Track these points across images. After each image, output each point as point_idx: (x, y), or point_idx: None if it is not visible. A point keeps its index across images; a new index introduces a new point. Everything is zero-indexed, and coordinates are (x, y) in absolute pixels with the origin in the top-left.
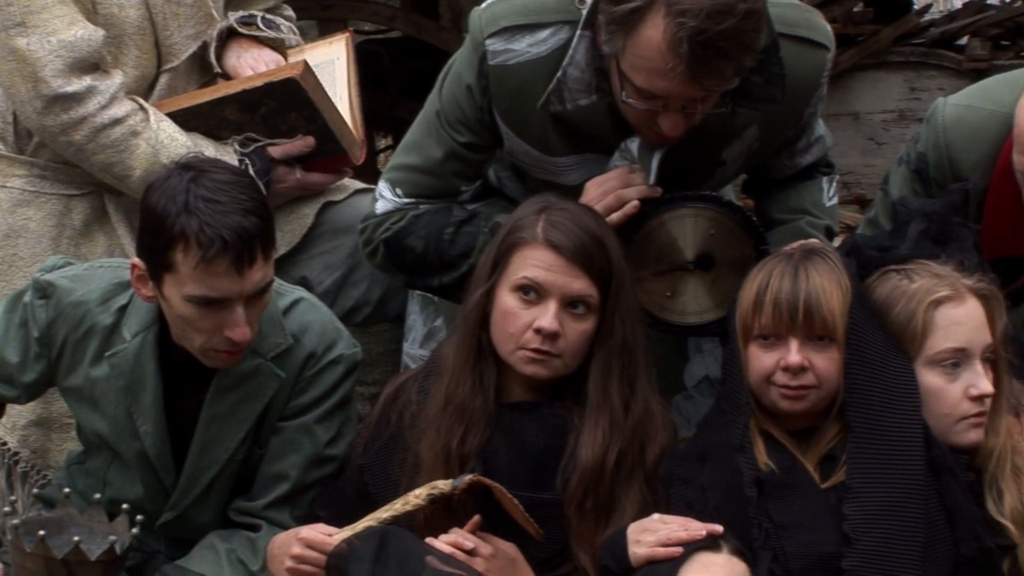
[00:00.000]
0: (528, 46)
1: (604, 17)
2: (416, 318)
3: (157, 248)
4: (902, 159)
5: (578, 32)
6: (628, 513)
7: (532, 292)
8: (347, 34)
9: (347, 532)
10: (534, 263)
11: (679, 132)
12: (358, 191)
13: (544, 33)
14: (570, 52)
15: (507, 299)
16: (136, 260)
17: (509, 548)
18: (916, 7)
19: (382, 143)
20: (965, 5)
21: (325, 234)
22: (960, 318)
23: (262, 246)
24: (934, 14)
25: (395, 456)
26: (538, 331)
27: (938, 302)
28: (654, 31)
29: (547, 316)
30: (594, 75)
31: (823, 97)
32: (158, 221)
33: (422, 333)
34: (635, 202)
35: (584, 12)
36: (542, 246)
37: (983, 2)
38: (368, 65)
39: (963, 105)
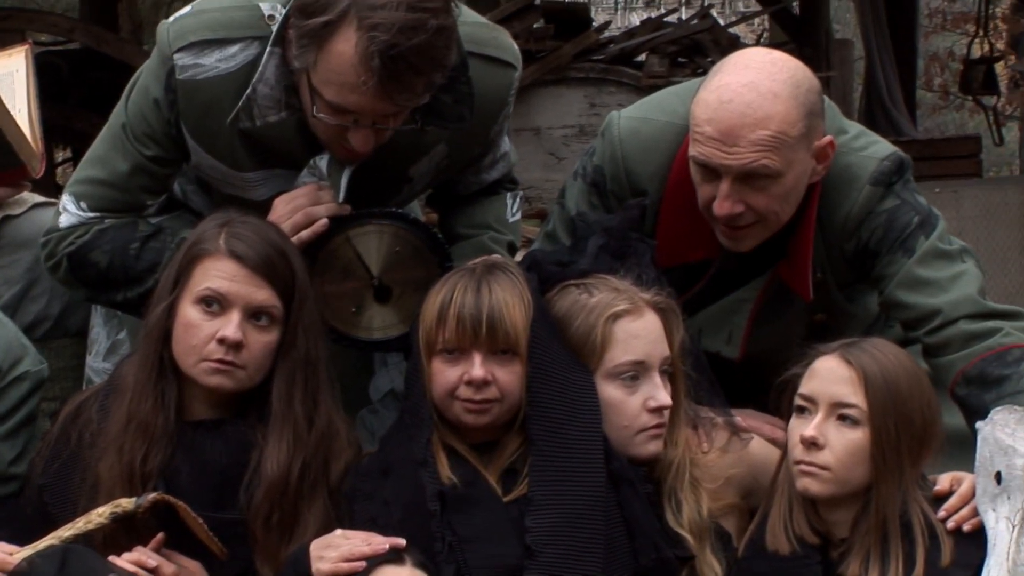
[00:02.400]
0: (217, 61)
1: (295, 31)
2: (100, 331)
3: None
4: (577, 172)
5: (268, 49)
6: (311, 528)
7: (215, 303)
8: (26, 46)
9: (28, 551)
10: (216, 274)
11: (369, 148)
12: (37, 204)
13: (233, 48)
14: (260, 68)
15: (189, 312)
16: None
17: (193, 567)
18: (595, 24)
19: (61, 155)
20: (643, 23)
21: (4, 248)
22: (638, 331)
23: None
24: (613, 31)
25: (75, 475)
26: (221, 341)
27: (617, 316)
28: (346, 45)
29: (230, 326)
30: (284, 92)
31: (510, 115)
32: None
33: (106, 346)
34: (324, 220)
35: (274, 28)
36: (224, 257)
37: (661, 20)
38: (47, 77)
39: (637, 118)
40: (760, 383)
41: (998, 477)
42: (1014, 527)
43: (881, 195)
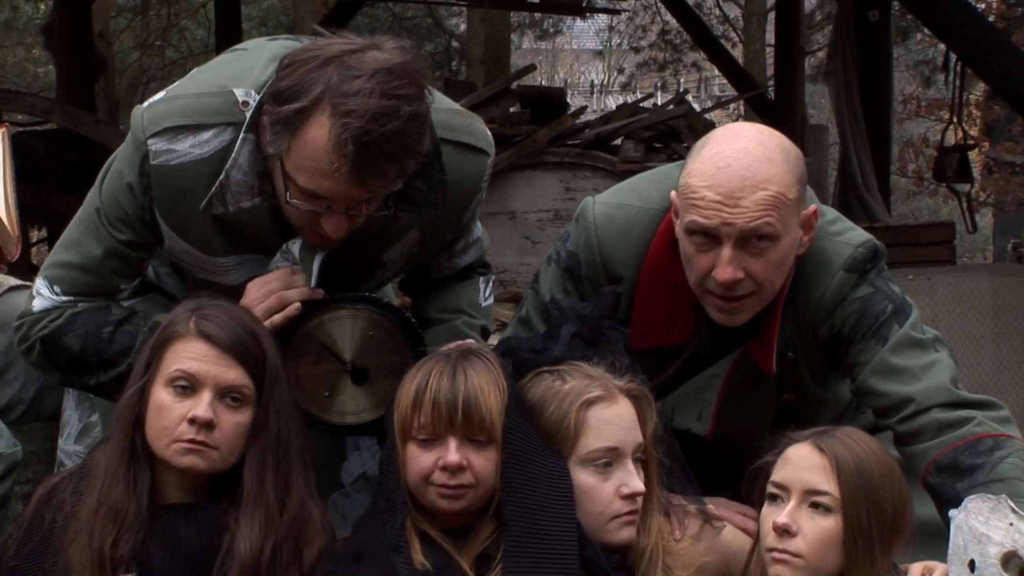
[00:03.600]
0: (190, 147)
1: (269, 117)
2: (72, 413)
3: None
4: (551, 258)
5: (241, 135)
6: None
7: (186, 384)
8: (3, 128)
9: None
10: (187, 355)
11: (342, 234)
12: (12, 288)
13: (207, 135)
14: (233, 155)
15: (161, 394)
16: None
17: None
18: (571, 109)
19: (36, 235)
20: (619, 107)
21: None
22: (611, 418)
23: None
24: (589, 115)
25: (47, 558)
26: (192, 421)
27: (590, 402)
28: (319, 131)
29: (201, 405)
30: (257, 178)
31: (482, 200)
32: None
33: (77, 428)
34: (297, 304)
35: (248, 115)
36: (195, 338)
37: (637, 105)
38: (24, 157)
39: (612, 203)
40: (731, 466)
41: (971, 566)
42: None
43: (855, 282)
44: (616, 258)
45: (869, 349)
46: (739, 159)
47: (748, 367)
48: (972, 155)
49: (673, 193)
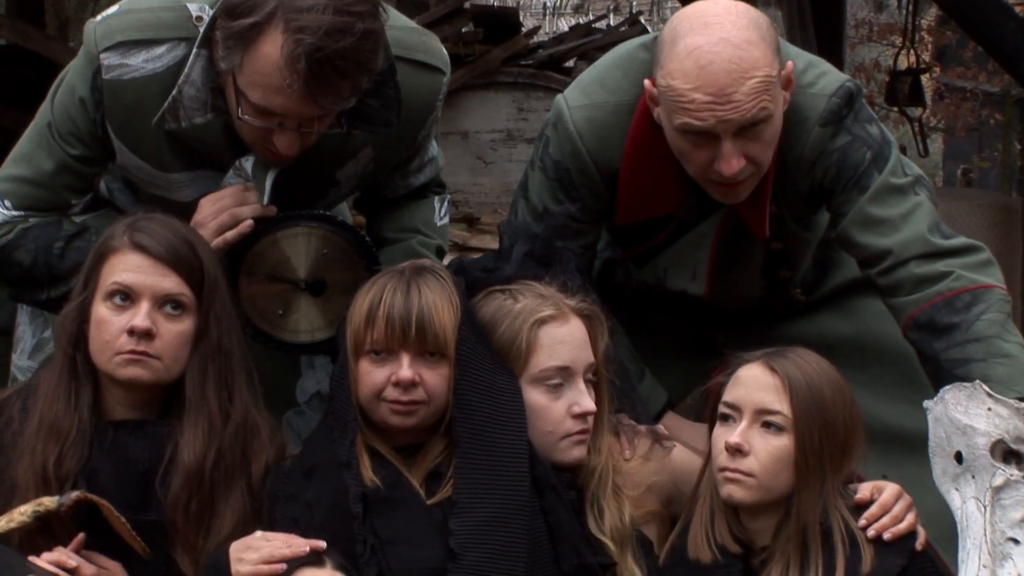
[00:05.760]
0: (143, 62)
1: (222, 32)
2: (26, 329)
3: None
4: (535, 164)
5: (194, 50)
6: (228, 521)
7: (123, 296)
8: None
9: None
10: (122, 268)
11: (294, 151)
12: None
13: (160, 49)
14: (186, 70)
15: (100, 309)
16: None
17: (113, 567)
18: (525, 29)
19: None
20: (572, 28)
21: None
22: (563, 337)
23: None
24: (542, 36)
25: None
26: (131, 332)
27: (542, 321)
28: (272, 47)
29: (139, 315)
30: (210, 93)
31: (438, 119)
32: None
33: (31, 344)
34: (249, 221)
35: (201, 30)
36: (129, 250)
37: (590, 26)
38: None
39: (588, 105)
40: (730, 325)
41: (958, 457)
42: (985, 507)
43: (832, 134)
44: (607, 158)
45: (850, 200)
46: (719, 52)
47: (735, 224)
48: (924, 79)
49: (647, 82)
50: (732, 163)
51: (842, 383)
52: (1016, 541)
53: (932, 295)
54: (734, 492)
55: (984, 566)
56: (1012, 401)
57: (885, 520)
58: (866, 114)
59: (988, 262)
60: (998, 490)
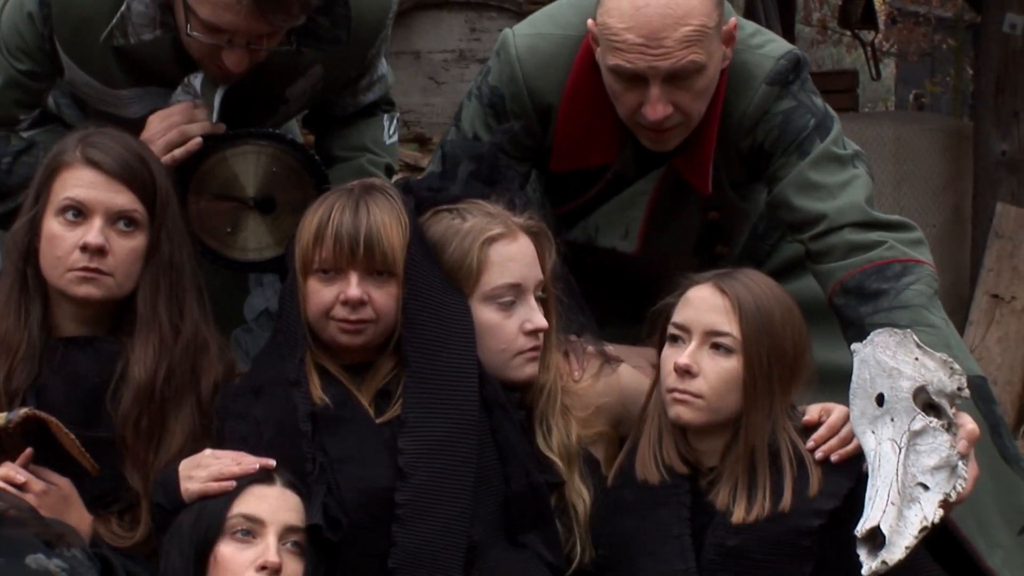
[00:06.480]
0: None
1: None
2: None
3: None
4: (472, 93)
5: None
6: (178, 437)
7: (76, 212)
8: None
9: None
10: (75, 183)
11: (243, 68)
12: None
13: None
14: None
15: (52, 225)
16: None
17: (62, 483)
18: None
19: None
20: None
21: None
22: (514, 254)
23: None
24: None
25: None
26: (84, 248)
27: (492, 239)
28: None
29: (92, 232)
30: (158, 9)
31: (388, 38)
32: None
33: None
34: (198, 138)
35: None
36: (82, 165)
37: None
38: None
39: (533, 34)
40: (657, 288)
41: (879, 399)
42: (900, 449)
43: (777, 95)
44: (542, 89)
45: (790, 164)
46: None
47: (674, 183)
48: (877, 2)
49: (590, 22)
50: (658, 108)
51: (791, 304)
52: (925, 487)
53: (863, 261)
54: (682, 413)
55: (892, 503)
56: (939, 355)
57: (833, 442)
58: (811, 86)
59: (921, 240)
60: (915, 435)
